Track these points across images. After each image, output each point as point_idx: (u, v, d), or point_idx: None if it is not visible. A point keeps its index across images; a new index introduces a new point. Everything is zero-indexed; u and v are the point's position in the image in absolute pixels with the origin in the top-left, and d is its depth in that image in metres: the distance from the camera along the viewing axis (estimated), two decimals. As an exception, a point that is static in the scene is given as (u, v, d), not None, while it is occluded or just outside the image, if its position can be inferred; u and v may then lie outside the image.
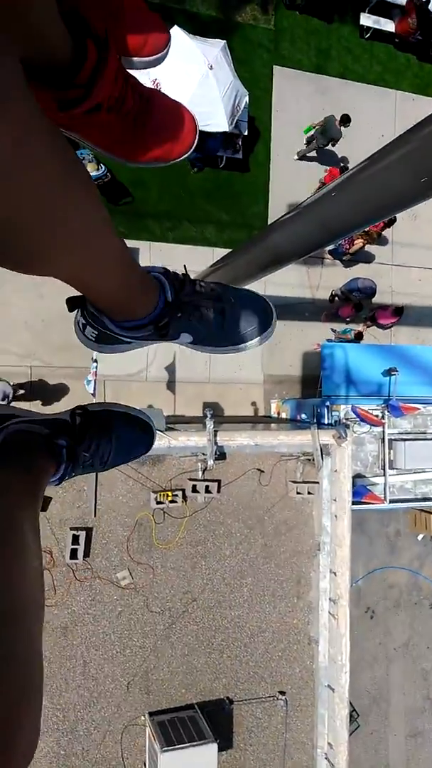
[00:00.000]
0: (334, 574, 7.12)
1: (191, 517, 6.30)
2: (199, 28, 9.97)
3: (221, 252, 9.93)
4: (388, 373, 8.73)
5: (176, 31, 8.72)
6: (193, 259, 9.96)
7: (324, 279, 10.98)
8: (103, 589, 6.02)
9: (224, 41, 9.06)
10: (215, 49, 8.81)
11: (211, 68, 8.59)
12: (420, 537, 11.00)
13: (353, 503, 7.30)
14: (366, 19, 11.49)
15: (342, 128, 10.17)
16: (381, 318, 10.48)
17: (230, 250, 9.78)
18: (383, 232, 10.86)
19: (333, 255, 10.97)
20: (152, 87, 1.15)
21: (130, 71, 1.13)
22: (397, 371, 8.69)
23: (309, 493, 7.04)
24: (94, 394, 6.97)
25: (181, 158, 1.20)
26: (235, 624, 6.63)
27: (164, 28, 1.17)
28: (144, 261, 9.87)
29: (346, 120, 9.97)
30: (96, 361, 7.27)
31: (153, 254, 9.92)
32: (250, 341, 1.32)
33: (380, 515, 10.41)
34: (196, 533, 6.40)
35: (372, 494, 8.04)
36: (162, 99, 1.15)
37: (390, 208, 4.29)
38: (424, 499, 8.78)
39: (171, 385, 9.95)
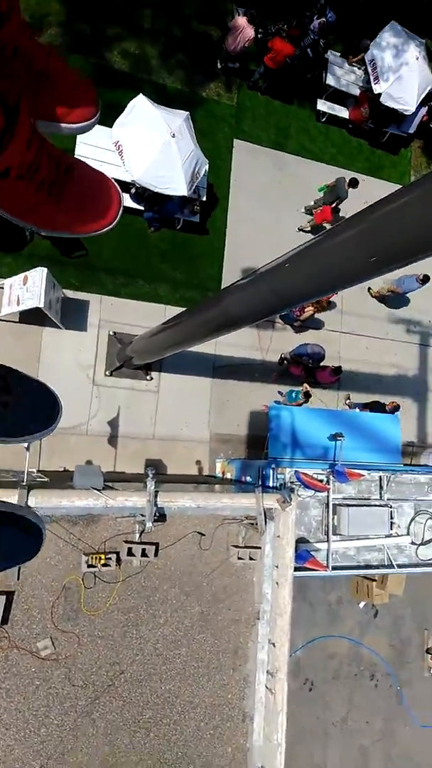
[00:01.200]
0: (273, 645, 6.86)
1: (124, 581, 5.96)
2: (165, 98, 10.43)
3: (174, 310, 10.03)
4: (335, 437, 8.82)
5: (142, 99, 9.09)
6: (144, 316, 9.99)
7: (274, 342, 11.21)
8: (21, 661, 5.51)
9: (188, 113, 9.48)
10: (179, 119, 9.19)
11: (173, 136, 8.93)
12: (362, 605, 10.87)
13: (295, 569, 7.15)
14: (322, 105, 12.36)
15: (350, 190, 10.76)
16: (320, 378, 10.73)
17: (183, 309, 9.90)
18: (333, 299, 11.29)
19: (284, 320, 11.26)
20: (76, 159, 1.12)
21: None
22: (343, 437, 8.80)
23: (251, 558, 6.85)
24: (27, 448, 6.67)
25: (102, 232, 1.15)
26: (165, 699, 6.20)
27: (93, 98, 1.15)
28: (94, 314, 9.82)
29: (354, 183, 10.70)
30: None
31: (104, 307, 9.89)
32: (30, 436, 1.22)
33: (322, 582, 10.27)
34: (128, 599, 6.05)
35: (314, 560, 7.91)
36: (85, 170, 1.11)
37: (341, 282, 4.44)
38: (367, 567, 8.71)
39: (113, 439, 9.72)
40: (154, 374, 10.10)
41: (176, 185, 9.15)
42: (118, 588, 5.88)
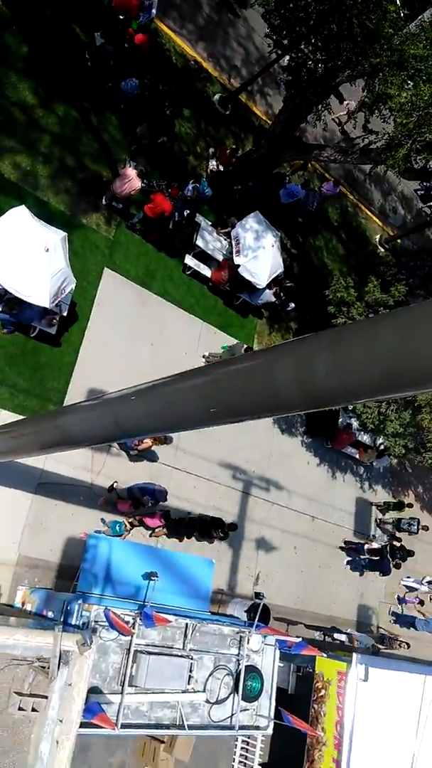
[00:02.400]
0: None
1: None
2: (46, 215, 10.82)
3: (8, 416, 9.53)
4: (149, 577, 8.55)
5: (24, 210, 9.33)
6: (-26, 416, 9.32)
7: (107, 467, 11.02)
8: None
9: (65, 233, 9.88)
10: (56, 236, 9.51)
11: (47, 250, 9.16)
12: (145, 771, 9.88)
13: (81, 724, 6.41)
14: (189, 260, 13.70)
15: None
16: (149, 522, 10.62)
17: (20, 417, 9.44)
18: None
19: (121, 447, 11.23)
20: None
21: None
22: (156, 576, 8.57)
23: (33, 710, 6.03)
24: None
25: None
26: None
27: None
28: None
29: (249, 350, 11.51)
30: None
31: None
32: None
33: (107, 741, 9.24)
34: None
35: (103, 715, 7.12)
36: None
37: (181, 425, 4.64)
38: (157, 726, 8.09)
39: None
40: (-33, 480, 9.19)
41: (40, 296, 9.20)
42: None
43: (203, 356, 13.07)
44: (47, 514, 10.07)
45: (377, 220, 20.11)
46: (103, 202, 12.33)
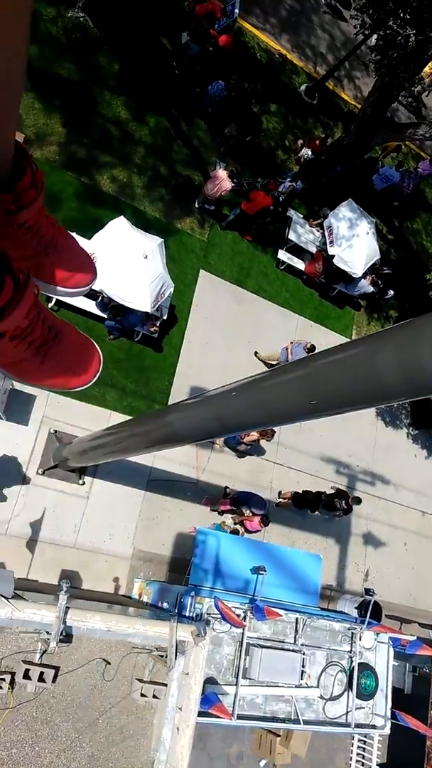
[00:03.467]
0: (164, 803, 6.15)
1: (14, 709, 5.33)
2: (143, 223, 11.28)
3: (118, 417, 10.06)
4: (257, 571, 8.65)
5: (122, 220, 9.80)
6: (88, 418, 9.94)
7: (211, 463, 11.28)
8: None
9: (162, 240, 10.24)
10: (153, 243, 9.89)
11: (145, 257, 9.55)
12: (262, 764, 10.00)
13: (199, 713, 6.63)
14: (282, 255, 13.67)
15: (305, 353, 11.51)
16: (250, 526, 10.71)
17: (128, 417, 9.94)
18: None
19: (226, 444, 11.40)
20: (66, 323, 1.22)
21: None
22: (265, 571, 8.64)
23: (154, 696, 6.31)
24: None
25: (78, 390, 1.25)
26: None
27: (92, 268, 1.30)
28: (38, 409, 9.69)
29: (312, 349, 11.44)
30: None
31: (50, 404, 9.79)
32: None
33: (224, 732, 9.47)
34: (14, 731, 5.36)
35: (221, 705, 7.35)
36: (72, 335, 1.22)
37: (282, 419, 4.66)
38: (273, 719, 8.17)
39: (31, 543, 9.14)
40: (87, 479, 9.82)
41: (141, 301, 9.62)
42: (5, 716, 5.23)
43: (255, 353, 12.80)
44: (158, 509, 10.51)
45: None
46: (196, 205, 12.64)
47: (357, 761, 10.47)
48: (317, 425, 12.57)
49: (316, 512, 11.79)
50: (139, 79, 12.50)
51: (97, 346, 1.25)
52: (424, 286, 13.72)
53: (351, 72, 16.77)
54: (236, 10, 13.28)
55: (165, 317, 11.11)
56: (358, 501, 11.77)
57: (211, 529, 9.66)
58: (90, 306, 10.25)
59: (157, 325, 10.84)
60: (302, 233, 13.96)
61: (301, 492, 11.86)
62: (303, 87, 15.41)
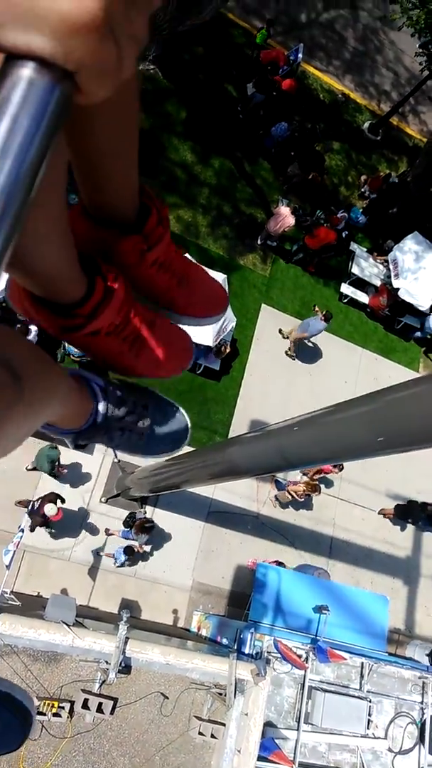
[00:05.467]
0: None
1: (73, 738, 5.36)
2: (207, 260, 11.61)
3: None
4: (320, 610, 8.37)
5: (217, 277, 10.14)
6: (151, 449, 10.11)
7: (271, 497, 11.16)
8: None
9: (225, 275, 10.48)
10: (217, 279, 10.14)
11: (209, 293, 9.78)
12: None
13: (258, 758, 6.42)
14: (346, 289, 13.62)
15: (323, 323, 11.37)
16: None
17: (190, 449, 10.05)
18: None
19: (277, 486, 11.27)
20: (159, 314, 1.28)
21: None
22: (328, 610, 8.36)
23: (212, 736, 6.19)
24: (8, 566, 6.44)
25: (167, 378, 1.31)
26: None
27: (225, 300, 1.35)
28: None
29: (328, 318, 11.25)
30: (22, 530, 6.87)
31: (114, 434, 10.07)
32: (157, 456, 1.39)
33: (285, 780, 9.05)
34: (72, 762, 5.38)
35: (280, 753, 7.05)
36: (165, 325, 1.27)
37: (346, 454, 4.57)
38: (337, 770, 7.76)
39: (93, 570, 9.30)
40: (148, 508, 9.96)
41: (203, 335, 9.83)
42: (64, 745, 5.28)
43: (280, 330, 12.53)
44: (217, 541, 10.46)
45: None
46: (258, 242, 12.87)
47: None
48: (383, 460, 12.19)
49: (419, 523, 11.89)
50: (205, 125, 13.05)
51: (189, 335, 1.31)
52: None
53: (416, 107, 16.77)
54: (299, 55, 13.69)
55: (228, 350, 11.26)
56: None
57: (271, 564, 9.49)
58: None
59: (226, 349, 10.92)
60: (366, 267, 13.89)
61: (406, 502, 11.92)
62: (366, 124, 15.54)
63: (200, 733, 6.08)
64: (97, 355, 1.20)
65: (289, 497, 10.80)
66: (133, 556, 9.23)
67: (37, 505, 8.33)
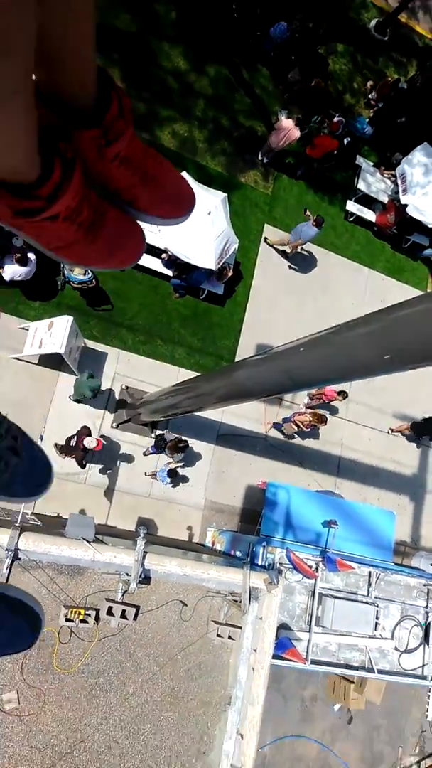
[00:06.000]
0: (241, 736, 6.49)
1: (100, 642, 5.76)
2: (206, 178, 11.16)
3: (187, 374, 10.25)
4: (328, 524, 8.72)
5: (184, 176, 9.74)
6: (158, 375, 10.20)
7: (279, 418, 11.32)
8: (-17, 712, 5.26)
9: (225, 194, 10.11)
10: (216, 198, 9.79)
11: (209, 213, 9.48)
12: (336, 707, 10.30)
13: (273, 657, 6.89)
14: (352, 206, 13.13)
15: (315, 229, 11.06)
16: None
17: (196, 374, 10.11)
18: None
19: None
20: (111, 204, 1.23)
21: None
22: (337, 524, 8.70)
23: (230, 637, 6.61)
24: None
25: (122, 270, 1.26)
26: (121, 779, 5.82)
27: (190, 195, 1.28)
28: (110, 366, 10.06)
29: (320, 223, 10.94)
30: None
31: (120, 361, 10.14)
32: (14, 498, 1.25)
33: (299, 675, 9.79)
34: (101, 662, 5.81)
35: (294, 650, 7.60)
36: (117, 215, 1.22)
37: (352, 374, 4.58)
38: (346, 666, 8.34)
39: (109, 492, 9.65)
40: (158, 432, 10.17)
41: (206, 259, 9.62)
42: (92, 648, 5.68)
43: (265, 239, 12.16)
44: (227, 463, 10.74)
45: None
46: (259, 157, 12.30)
47: (434, 713, 10.58)
48: (390, 381, 12.24)
49: None
50: (197, 27, 12.13)
51: (140, 226, 1.26)
52: None
53: (427, 2, 15.47)
54: None
55: (231, 273, 11.05)
56: None
57: (281, 483, 9.78)
58: (155, 264, 10.36)
59: (228, 273, 10.73)
60: (372, 182, 13.33)
61: (422, 420, 12.35)
62: (373, 23, 14.40)
63: (218, 635, 6.50)
64: (48, 244, 1.15)
65: (295, 428, 10.92)
66: (176, 477, 9.69)
67: (74, 441, 8.63)
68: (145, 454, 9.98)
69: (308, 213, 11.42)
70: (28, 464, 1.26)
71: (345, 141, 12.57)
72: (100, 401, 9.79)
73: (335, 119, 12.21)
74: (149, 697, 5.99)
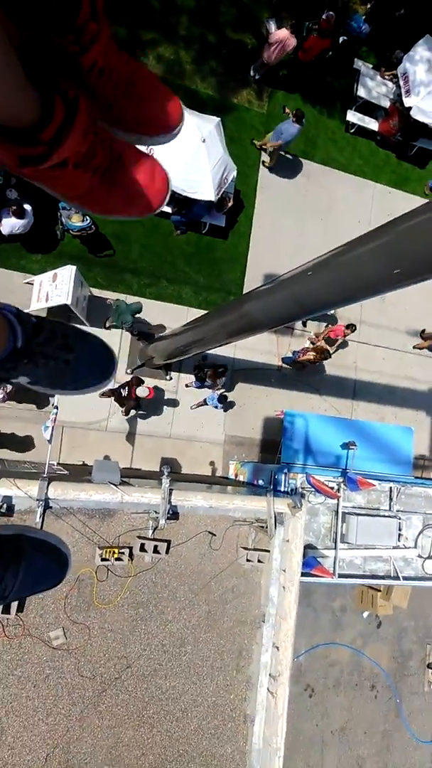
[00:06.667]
0: (277, 648, 6.94)
1: (136, 576, 6.09)
2: (197, 103, 10.59)
3: (196, 312, 10.17)
4: (347, 446, 8.89)
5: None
6: (167, 317, 10.14)
7: (290, 349, 11.29)
8: (33, 649, 5.66)
9: (219, 119, 9.62)
10: (210, 124, 9.33)
11: (204, 141, 9.07)
12: (365, 615, 10.88)
13: (302, 574, 7.23)
14: (352, 116, 12.42)
15: (296, 125, 10.51)
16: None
17: (205, 311, 10.03)
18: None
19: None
20: (127, 144, 1.15)
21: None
22: (355, 445, 8.86)
23: (259, 561, 6.94)
24: (50, 441, 6.84)
25: (148, 215, 1.20)
26: (169, 696, 6.31)
27: (179, 112, 1.19)
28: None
29: (300, 118, 10.43)
30: (57, 407, 7.19)
31: (129, 306, 10.07)
32: (86, 389, 1.29)
33: (327, 589, 10.30)
34: (139, 594, 6.18)
35: (321, 567, 7.98)
36: (135, 156, 1.14)
37: (363, 292, 4.50)
38: (372, 577, 8.76)
39: (131, 437, 9.87)
40: (173, 374, 10.24)
41: (204, 190, 9.29)
42: (129, 582, 6.01)
43: (252, 141, 11.59)
44: (244, 397, 10.85)
45: None
46: (251, 74, 11.57)
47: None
48: (402, 298, 12.03)
49: None
50: None
51: (162, 165, 1.19)
52: None
53: None
54: None
55: (231, 203, 10.70)
56: None
57: (297, 411, 9.89)
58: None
59: (229, 202, 10.37)
60: (373, 87, 12.53)
61: None
62: None
63: (248, 560, 6.82)
64: (68, 193, 1.09)
65: (301, 366, 10.93)
66: (226, 402, 10.11)
67: (125, 392, 8.92)
68: (186, 386, 10.33)
69: (287, 110, 10.81)
70: (86, 356, 1.27)
71: (340, 40, 11.70)
72: (113, 348, 9.80)
73: (324, 16, 11.23)
74: (187, 622, 6.39)
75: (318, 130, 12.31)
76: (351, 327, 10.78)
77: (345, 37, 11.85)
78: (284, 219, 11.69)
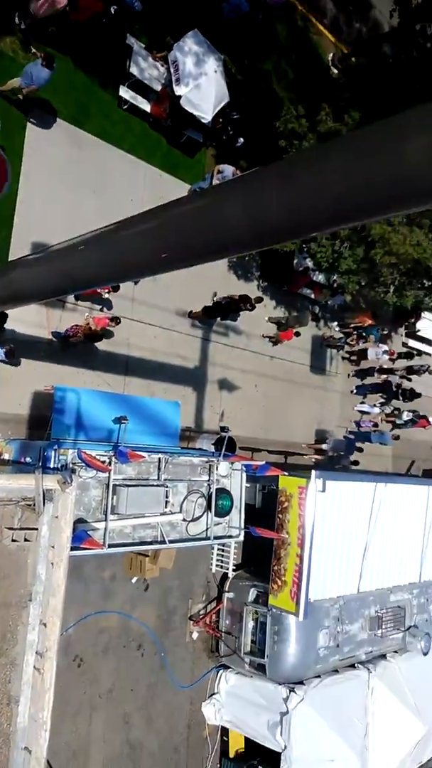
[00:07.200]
0: (44, 625, 6.85)
1: None
2: None
3: None
4: (119, 421, 9.08)
5: None
6: None
7: (63, 323, 11.03)
8: None
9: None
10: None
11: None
12: (134, 580, 11.41)
13: (72, 548, 7.24)
14: (125, 92, 12.43)
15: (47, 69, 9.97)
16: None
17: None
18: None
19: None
20: None
21: None
22: (127, 420, 9.10)
23: (26, 540, 6.72)
24: None
25: None
26: None
27: None
28: None
29: (50, 62, 9.87)
30: None
31: None
32: None
33: (98, 560, 10.50)
34: None
35: (91, 539, 8.08)
36: None
37: (133, 272, 4.64)
38: (141, 543, 9.20)
39: None
40: None
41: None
42: None
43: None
44: (11, 370, 10.27)
45: (330, 36, 18.25)
46: (17, 21, 10.63)
47: (216, 565, 12.45)
48: (173, 281, 12.65)
49: (228, 318, 13.93)
50: None
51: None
52: (275, 134, 13.43)
53: None
54: None
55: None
56: (260, 300, 14.09)
57: (69, 386, 9.74)
58: None
59: None
60: (145, 67, 12.69)
61: (211, 304, 13.59)
62: None
63: (14, 540, 6.55)
64: None
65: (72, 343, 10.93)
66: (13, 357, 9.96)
67: None
68: None
69: (35, 51, 10.27)
70: None
71: (112, 9, 11.51)
72: None
73: None
74: None
75: (91, 100, 12.04)
76: (115, 319, 11.09)
77: (116, 6, 11.66)
78: (55, 186, 11.24)
